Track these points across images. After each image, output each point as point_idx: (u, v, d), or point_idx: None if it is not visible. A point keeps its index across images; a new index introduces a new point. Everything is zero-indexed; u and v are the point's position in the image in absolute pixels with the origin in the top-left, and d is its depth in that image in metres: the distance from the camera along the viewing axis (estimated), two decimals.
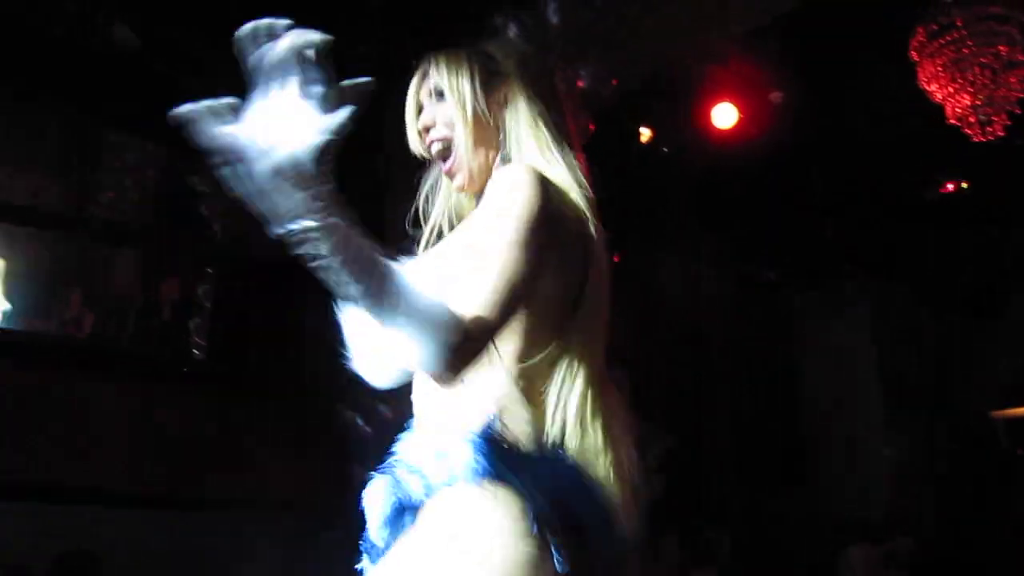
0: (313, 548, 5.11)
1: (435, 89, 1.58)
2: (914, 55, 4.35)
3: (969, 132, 4.29)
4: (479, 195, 1.57)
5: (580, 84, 3.98)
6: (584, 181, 1.50)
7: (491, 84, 1.56)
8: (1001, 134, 4.25)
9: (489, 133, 1.55)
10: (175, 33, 4.75)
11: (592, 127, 4.01)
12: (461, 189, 1.60)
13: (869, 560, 5.31)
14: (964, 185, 5.90)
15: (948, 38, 4.21)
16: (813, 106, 5.02)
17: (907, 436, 6.16)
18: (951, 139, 4.49)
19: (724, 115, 5.23)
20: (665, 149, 5.36)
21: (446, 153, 1.57)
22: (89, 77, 4.77)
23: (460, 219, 1.66)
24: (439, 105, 1.57)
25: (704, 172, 5.50)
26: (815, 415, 6.40)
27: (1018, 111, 4.24)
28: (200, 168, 5.46)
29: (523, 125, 1.53)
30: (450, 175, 1.59)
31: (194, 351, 5.37)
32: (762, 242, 6.20)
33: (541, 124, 1.53)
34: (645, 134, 5.36)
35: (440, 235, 1.65)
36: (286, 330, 5.23)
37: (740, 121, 5.22)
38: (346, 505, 5.13)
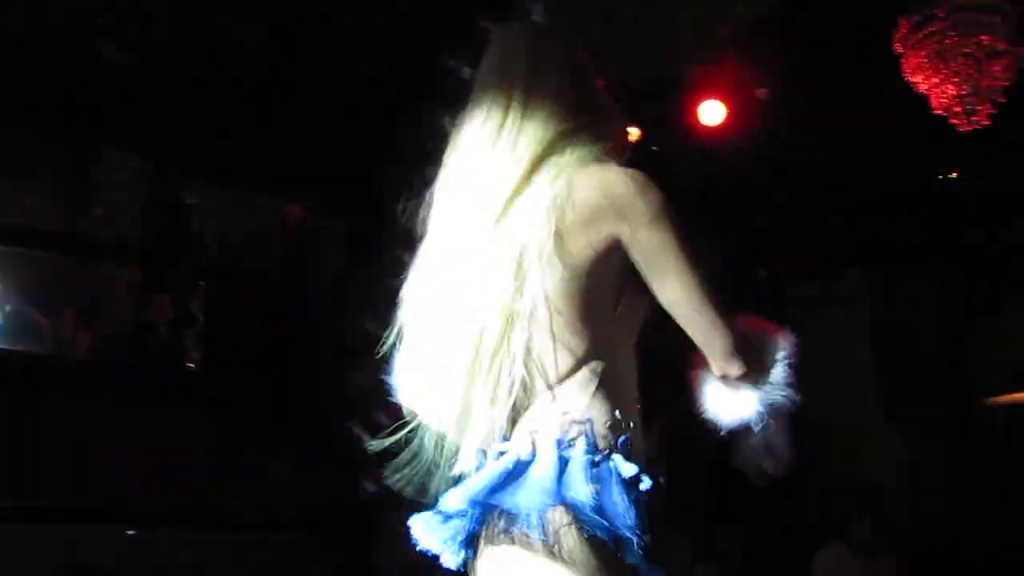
0: (314, 563, 5.11)
1: None
2: (898, 47, 4.37)
3: (955, 122, 4.31)
4: None
5: None
6: None
7: None
8: (986, 123, 4.26)
9: None
10: (163, 48, 4.75)
11: None
12: None
13: (836, 558, 5.24)
14: (952, 176, 5.92)
15: (931, 29, 4.23)
16: (800, 101, 5.05)
17: (908, 429, 6.17)
18: (941, 131, 4.52)
19: (712, 112, 5.25)
20: (654, 148, 5.37)
21: None
22: (79, 94, 4.77)
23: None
24: None
25: (693, 170, 5.51)
26: (812, 412, 6.40)
27: (1002, 100, 4.26)
28: (191, 181, 5.47)
29: None
30: None
31: (189, 365, 5.37)
32: (756, 239, 6.21)
33: None
34: (634, 133, 5.36)
35: None
36: (280, 343, 5.23)
37: (728, 118, 5.23)
38: (345, 521, 5.15)
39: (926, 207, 6.08)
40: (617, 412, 1.53)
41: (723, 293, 1.56)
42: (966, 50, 4.18)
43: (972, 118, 4.30)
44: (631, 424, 1.55)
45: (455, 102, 4.38)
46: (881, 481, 5.99)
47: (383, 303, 4.90)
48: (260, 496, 4.99)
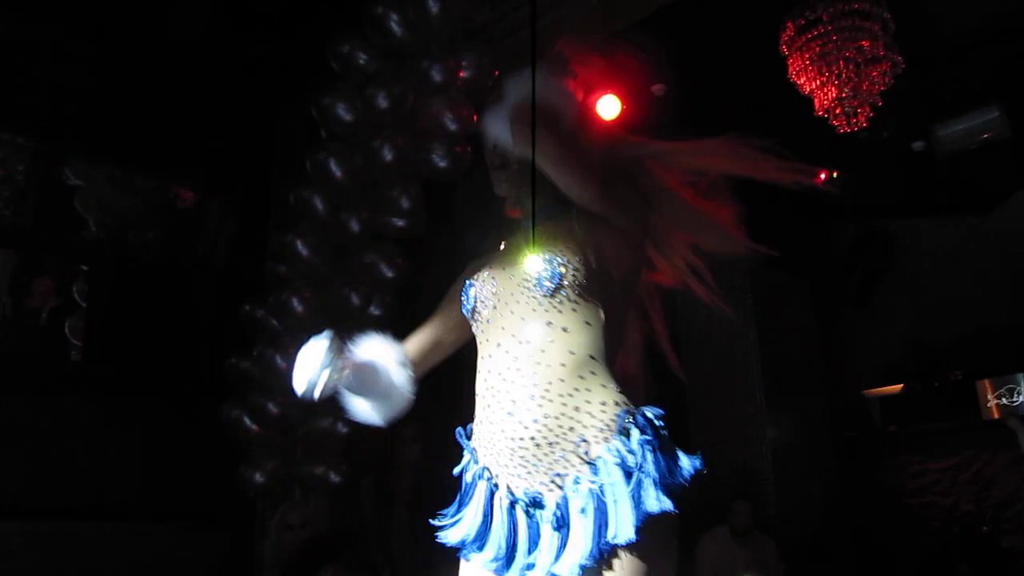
0: (196, 554, 5.01)
1: (503, 156, 1.88)
2: (784, 49, 4.52)
3: (836, 123, 4.49)
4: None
5: (461, 75, 3.99)
6: None
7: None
8: (865, 125, 4.45)
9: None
10: (45, 26, 4.57)
11: (475, 118, 4.03)
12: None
13: (716, 541, 5.40)
14: (835, 176, 6.16)
15: (815, 32, 4.39)
16: (692, 98, 5.15)
17: (785, 417, 6.39)
18: (822, 131, 4.68)
19: (607, 107, 5.31)
20: None
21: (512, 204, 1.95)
22: None
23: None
24: (505, 169, 1.89)
25: None
26: (696, 399, 6.58)
27: (880, 103, 4.45)
28: (72, 161, 5.26)
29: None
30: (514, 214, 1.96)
31: (71, 353, 5.19)
32: None
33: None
34: None
35: None
36: (166, 329, 5.09)
37: (623, 112, 5.31)
38: (233, 507, 5.04)
39: (804, 203, 6.30)
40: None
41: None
42: (847, 54, 4.36)
43: (852, 120, 4.48)
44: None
45: (342, 87, 4.34)
46: (759, 467, 6.20)
47: (270, 287, 4.81)
48: (143, 486, 4.87)
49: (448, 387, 3.02)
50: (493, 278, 1.83)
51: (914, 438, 6.77)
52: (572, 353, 1.70)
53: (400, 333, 1.98)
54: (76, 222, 5.31)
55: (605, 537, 1.55)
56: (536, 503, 1.66)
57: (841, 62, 4.36)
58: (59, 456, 4.67)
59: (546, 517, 1.64)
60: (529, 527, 1.67)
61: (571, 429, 1.65)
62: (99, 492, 4.75)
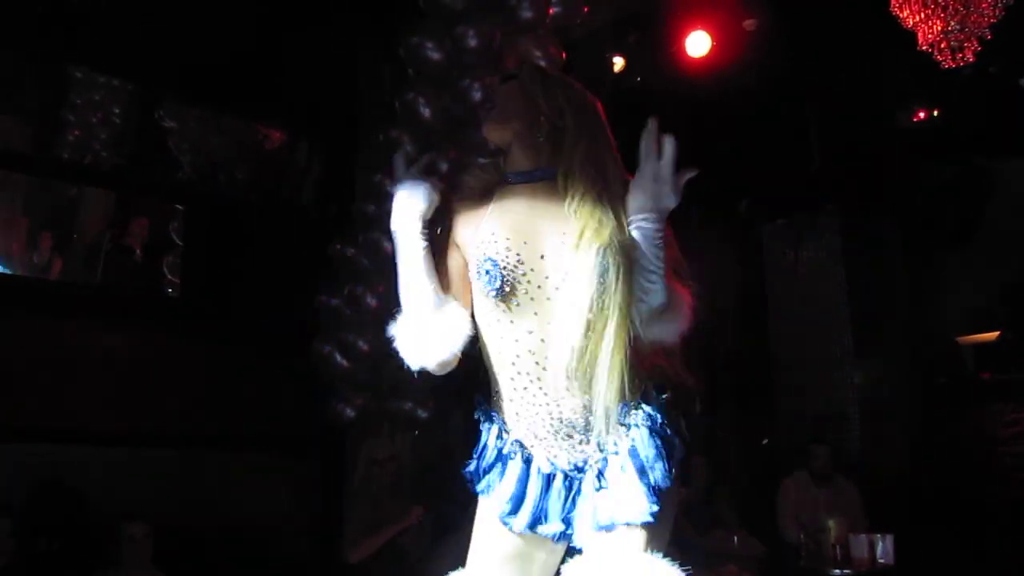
0: (291, 483, 5.18)
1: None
2: None
3: (940, 58, 4.28)
4: None
5: (551, 12, 3.93)
6: None
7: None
8: (971, 60, 4.24)
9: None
10: None
11: (563, 55, 3.98)
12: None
13: (796, 485, 5.38)
14: (935, 113, 5.92)
15: None
16: (785, 34, 5.00)
17: (875, 362, 6.26)
18: (923, 67, 4.49)
19: (697, 44, 5.20)
20: (638, 79, 5.32)
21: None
22: (51, 13, 4.65)
23: None
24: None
25: (677, 101, 5.47)
26: (784, 342, 6.48)
27: (989, 37, 4.23)
28: (166, 103, 5.37)
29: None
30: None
31: (168, 289, 5.35)
32: (734, 172, 6.19)
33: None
34: (618, 63, 5.31)
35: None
36: (258, 266, 5.20)
37: (713, 49, 5.18)
38: (322, 440, 5.16)
39: (902, 142, 6.08)
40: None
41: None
42: None
43: (958, 55, 4.27)
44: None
45: (429, 29, 4.30)
46: (845, 411, 6.12)
47: (359, 227, 4.87)
48: (236, 418, 5.03)
49: None
50: (518, 254, 1.73)
51: (1008, 387, 6.56)
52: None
53: None
54: (171, 163, 5.43)
55: (649, 481, 1.65)
56: (579, 469, 1.75)
57: None
58: (155, 386, 4.84)
59: (588, 479, 1.73)
60: (566, 488, 1.76)
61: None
62: (193, 422, 4.92)
